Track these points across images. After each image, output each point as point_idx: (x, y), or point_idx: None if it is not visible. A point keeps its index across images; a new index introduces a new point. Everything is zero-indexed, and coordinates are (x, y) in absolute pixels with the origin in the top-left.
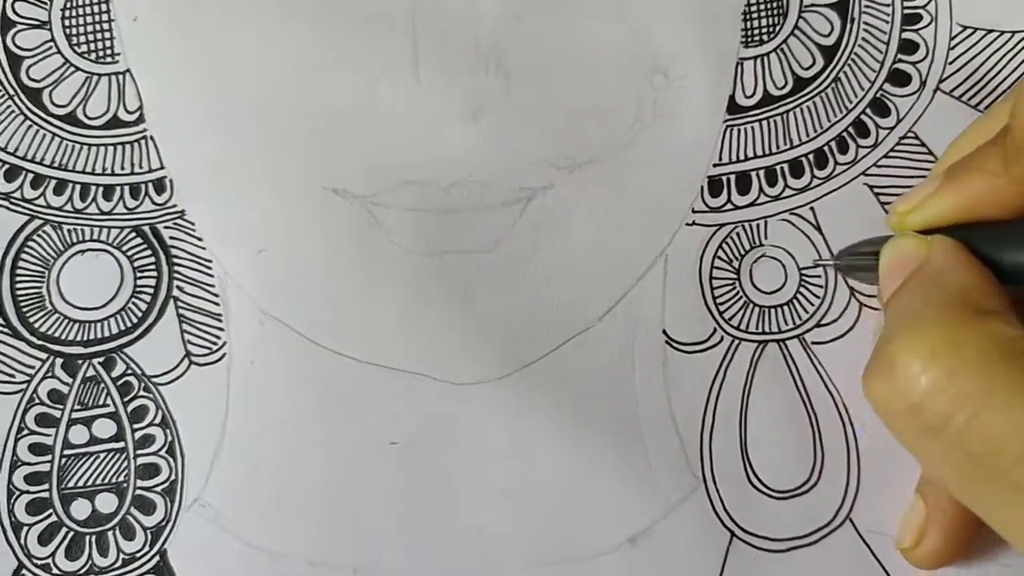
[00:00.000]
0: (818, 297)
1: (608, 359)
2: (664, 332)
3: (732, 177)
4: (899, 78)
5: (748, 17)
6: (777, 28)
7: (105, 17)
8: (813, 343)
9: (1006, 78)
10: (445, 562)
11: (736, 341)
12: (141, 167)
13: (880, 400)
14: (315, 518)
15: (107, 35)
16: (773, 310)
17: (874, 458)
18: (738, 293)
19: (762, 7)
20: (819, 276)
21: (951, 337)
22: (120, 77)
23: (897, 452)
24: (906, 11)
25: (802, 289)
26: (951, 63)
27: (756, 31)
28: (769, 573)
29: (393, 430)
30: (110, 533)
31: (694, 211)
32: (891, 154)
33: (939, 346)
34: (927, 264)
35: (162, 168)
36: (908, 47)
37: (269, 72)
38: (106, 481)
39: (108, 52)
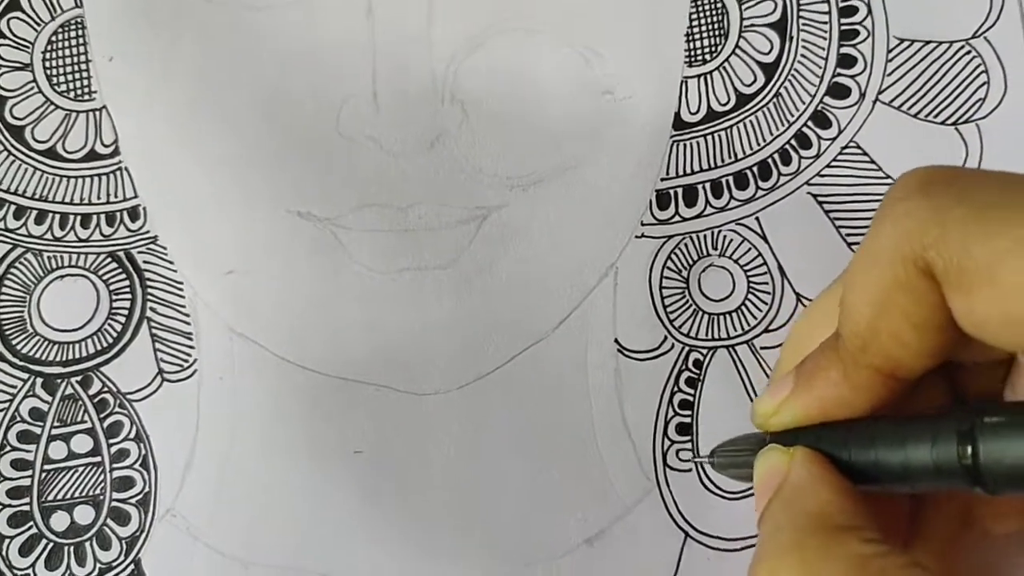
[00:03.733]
0: (766, 304)
1: (562, 368)
2: (616, 341)
3: (679, 190)
4: (839, 91)
5: (691, 38)
6: (719, 48)
7: (83, 58)
8: (762, 348)
9: (945, 87)
10: (409, 566)
11: (686, 348)
12: (116, 196)
13: None
14: (283, 527)
15: (85, 75)
16: (722, 317)
17: None
18: (687, 302)
19: (704, 28)
20: (767, 284)
21: (806, 566)
22: (97, 113)
23: None
24: (843, 27)
25: (750, 296)
26: (889, 75)
27: (699, 51)
28: (723, 571)
29: (358, 440)
30: (87, 543)
31: (643, 224)
32: (833, 164)
33: (798, 573)
34: (787, 482)
35: (136, 197)
36: (847, 61)
37: (236, 103)
38: (84, 494)
39: (85, 90)
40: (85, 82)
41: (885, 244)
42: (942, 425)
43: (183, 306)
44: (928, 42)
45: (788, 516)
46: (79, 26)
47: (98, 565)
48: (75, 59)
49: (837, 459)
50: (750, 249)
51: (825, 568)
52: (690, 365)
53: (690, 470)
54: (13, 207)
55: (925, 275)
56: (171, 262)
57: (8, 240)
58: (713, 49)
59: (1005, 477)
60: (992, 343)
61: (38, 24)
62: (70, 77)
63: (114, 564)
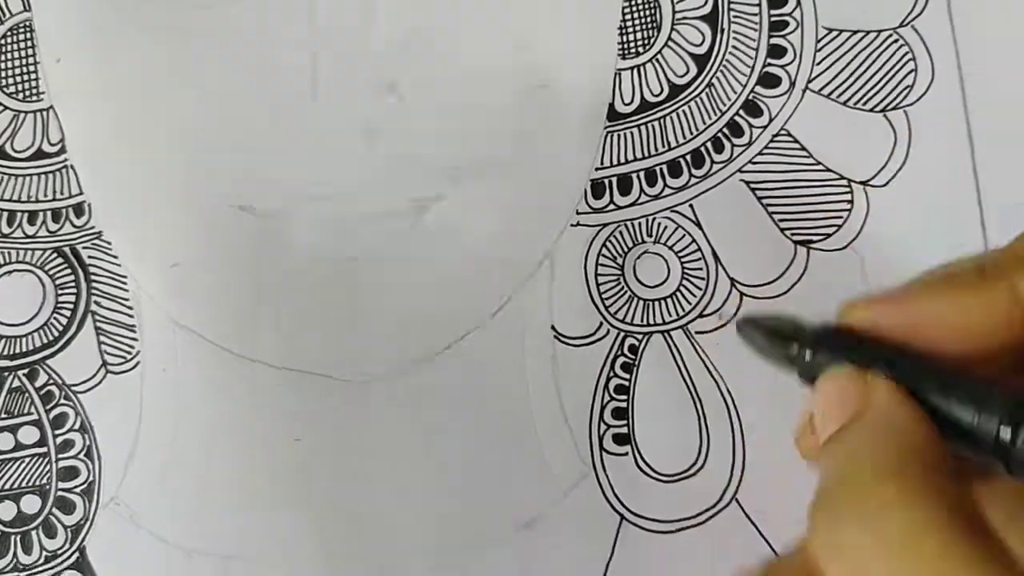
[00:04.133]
0: (700, 289)
1: (499, 355)
2: (552, 328)
3: (614, 179)
4: (769, 80)
5: (624, 31)
6: (651, 40)
7: (31, 60)
8: (697, 332)
9: (873, 75)
10: (349, 552)
11: (622, 334)
12: (62, 193)
13: (822, 535)
14: (225, 514)
15: (33, 76)
16: (657, 303)
17: (759, 441)
18: (623, 288)
19: (637, 22)
20: (701, 269)
21: (904, 495)
22: (44, 113)
23: (781, 435)
24: (773, 19)
25: (684, 282)
26: (819, 64)
27: (632, 44)
28: (659, 553)
29: (297, 428)
30: (34, 532)
31: (578, 213)
32: (765, 151)
33: (892, 502)
34: (870, 414)
35: (81, 194)
36: (777, 51)
37: (179, 101)
38: (30, 484)
39: (33, 91)
40: (33, 83)
41: None
42: (993, 395)
43: (127, 299)
44: (856, 31)
45: (877, 445)
46: (27, 29)
47: (44, 553)
48: (23, 61)
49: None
50: (684, 236)
51: (926, 498)
52: (625, 350)
53: (626, 454)
54: None
55: None
56: (115, 256)
57: None
58: (646, 42)
59: None
60: None
61: None
62: (19, 79)
63: (59, 552)
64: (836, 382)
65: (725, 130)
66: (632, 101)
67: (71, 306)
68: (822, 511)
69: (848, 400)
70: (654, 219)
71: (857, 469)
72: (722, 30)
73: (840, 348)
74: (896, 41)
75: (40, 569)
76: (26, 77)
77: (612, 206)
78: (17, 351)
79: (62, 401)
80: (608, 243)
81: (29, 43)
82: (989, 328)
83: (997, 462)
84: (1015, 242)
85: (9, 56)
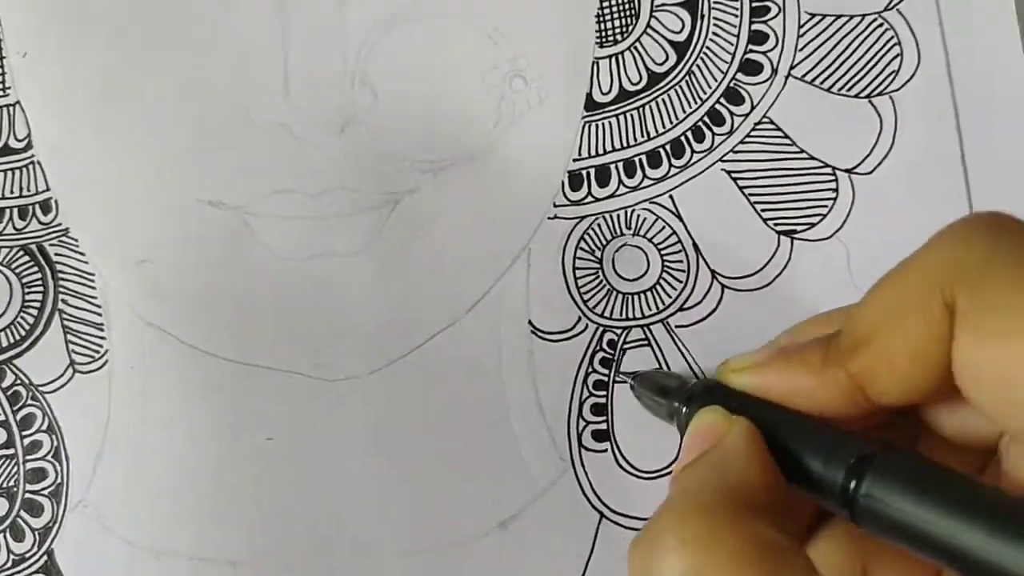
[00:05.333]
0: (680, 282)
1: (476, 351)
2: (530, 323)
3: (592, 171)
4: (751, 67)
5: (601, 19)
6: (630, 28)
7: None
8: (677, 326)
9: (857, 60)
10: (321, 553)
11: (600, 328)
12: (29, 190)
13: (633, 567)
14: (195, 515)
15: None
16: (636, 296)
17: None
18: (601, 282)
19: (614, 9)
20: (681, 262)
21: (711, 531)
22: (11, 108)
23: None
24: (754, 4)
25: (664, 275)
26: (801, 50)
27: (610, 32)
28: None
29: (269, 427)
30: (1, 535)
31: (556, 205)
32: (747, 140)
33: (697, 537)
34: (720, 446)
35: (48, 190)
36: (758, 38)
37: (146, 95)
38: None
39: (0, 86)
40: (0, 78)
41: (923, 263)
42: (844, 447)
43: (95, 297)
44: (840, 16)
45: (710, 479)
46: None
47: (11, 556)
48: None
49: (780, 445)
50: (664, 228)
51: (726, 541)
52: (604, 345)
53: (605, 451)
54: None
55: (946, 308)
56: (82, 254)
57: None
58: (624, 30)
59: (876, 524)
60: (977, 404)
61: None
62: None
63: (27, 555)
64: (703, 418)
65: (706, 119)
66: (610, 90)
67: (38, 305)
68: (637, 541)
69: (709, 434)
70: (633, 211)
71: (680, 501)
72: (702, 16)
73: (717, 400)
74: (881, 25)
75: (7, 572)
76: None
77: (590, 198)
78: None
79: (29, 401)
80: (586, 236)
81: None
82: (837, 405)
83: (844, 511)
84: (849, 319)
85: None
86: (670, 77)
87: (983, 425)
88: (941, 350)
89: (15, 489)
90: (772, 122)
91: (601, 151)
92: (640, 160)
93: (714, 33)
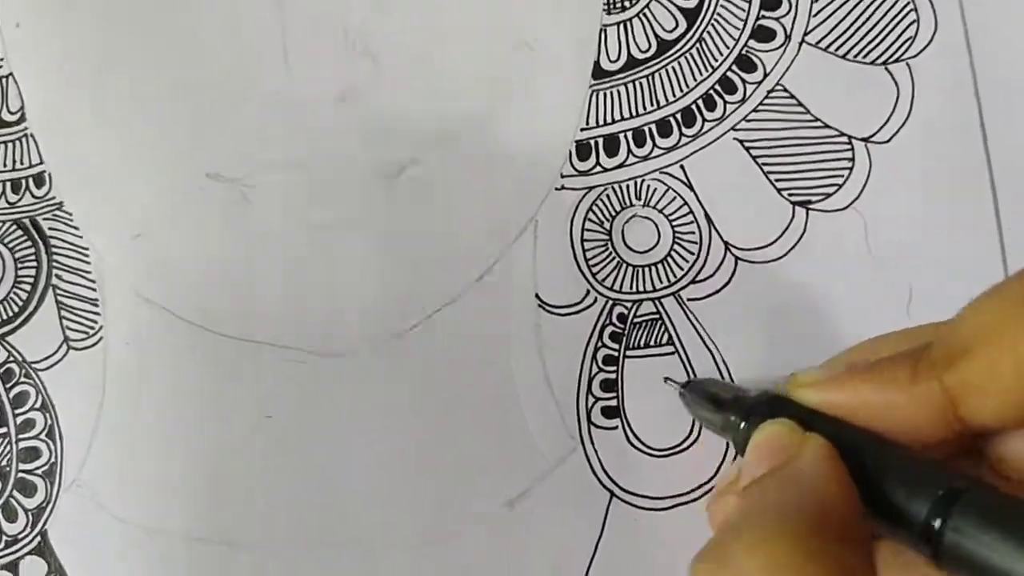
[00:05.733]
0: (692, 254)
1: (481, 326)
2: (537, 296)
3: (600, 140)
4: (763, 34)
5: None
6: None
7: None
8: (689, 300)
9: (873, 26)
10: (322, 533)
11: (610, 302)
12: (22, 163)
13: None
14: (191, 495)
15: None
16: (647, 269)
17: None
18: (611, 254)
19: None
20: (693, 233)
21: (795, 558)
22: (4, 80)
23: None
24: None
25: (676, 247)
26: (815, 15)
27: None
28: (651, 531)
29: (268, 404)
30: None
31: (563, 175)
32: (760, 108)
33: (779, 564)
34: (795, 464)
35: (41, 163)
36: (771, 3)
37: (142, 66)
38: None
39: None
40: None
41: None
42: (931, 477)
43: (89, 272)
44: None
45: (789, 500)
46: None
47: (4, 537)
48: None
49: (855, 469)
50: (675, 198)
51: (815, 565)
52: (614, 319)
53: (616, 428)
54: None
55: None
56: (76, 228)
57: None
58: None
59: (961, 565)
60: None
61: None
62: None
63: (20, 536)
64: (771, 430)
65: (717, 87)
66: (619, 58)
67: (31, 280)
68: (703, 561)
69: (778, 449)
70: (643, 181)
71: (759, 518)
72: None
73: (782, 415)
74: None
75: (1, 553)
76: None
77: (599, 168)
78: None
79: (22, 379)
80: (595, 207)
81: None
82: (924, 425)
83: (927, 548)
84: (943, 332)
85: None
86: (680, 44)
87: None
88: None
89: (8, 469)
90: (786, 90)
91: (610, 120)
92: (650, 129)
93: None
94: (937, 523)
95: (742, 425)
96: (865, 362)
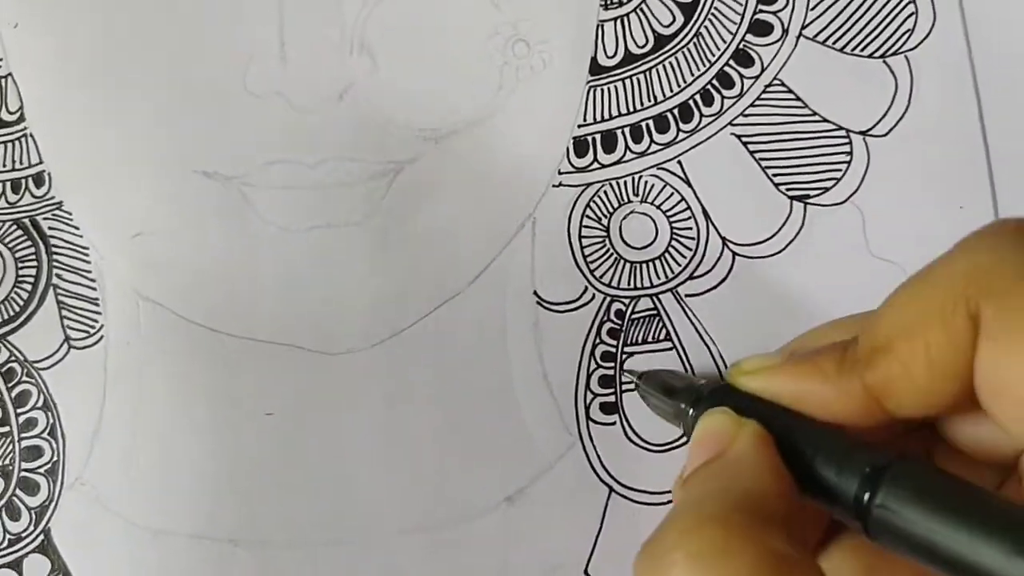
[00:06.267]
0: (690, 250)
1: (480, 322)
2: (535, 293)
3: (597, 137)
4: (761, 28)
5: None
6: None
7: None
8: (687, 295)
9: (871, 19)
10: (323, 531)
11: (607, 298)
12: (21, 163)
13: None
14: (193, 493)
15: None
16: (645, 265)
17: None
18: (608, 250)
19: None
20: (691, 229)
21: (721, 544)
22: (3, 80)
23: None
24: None
25: (673, 243)
26: (813, 9)
27: None
28: (650, 525)
29: (269, 402)
30: None
31: (560, 172)
32: (758, 103)
33: (707, 550)
34: (729, 452)
35: (41, 163)
36: None
37: (140, 65)
38: None
39: None
40: None
41: (947, 271)
42: (858, 456)
43: (89, 271)
44: None
45: (719, 487)
46: None
47: (7, 536)
48: None
49: (791, 452)
50: (673, 194)
51: (742, 553)
52: (612, 316)
53: (614, 423)
54: None
55: (970, 318)
56: (76, 227)
57: None
58: None
59: (889, 537)
60: (999, 418)
61: None
62: None
63: (23, 535)
64: (711, 420)
65: (715, 82)
66: (615, 54)
67: (32, 280)
68: (642, 553)
69: (717, 438)
70: (640, 177)
71: (694, 508)
72: None
73: (725, 403)
74: None
75: (4, 552)
76: None
77: (596, 165)
78: None
79: (24, 379)
80: (592, 203)
81: None
82: (853, 414)
83: (856, 522)
84: (865, 328)
85: None
86: (677, 39)
87: (1003, 440)
88: (963, 362)
89: (10, 468)
90: (783, 84)
91: (607, 116)
92: (647, 125)
93: None
94: (864, 499)
95: (690, 412)
96: (803, 351)
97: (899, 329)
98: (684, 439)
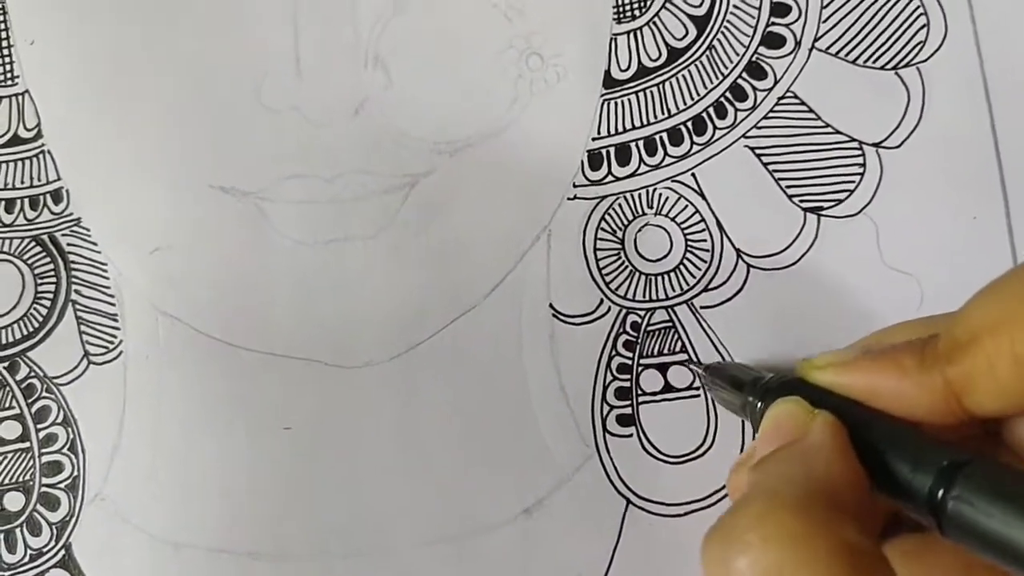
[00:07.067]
0: (705, 262)
1: (496, 335)
2: (551, 306)
3: (611, 149)
4: (773, 40)
5: None
6: (648, 3)
7: (5, 43)
8: (702, 307)
9: (883, 31)
10: (342, 543)
11: (623, 310)
12: (39, 180)
13: (710, 561)
14: (213, 506)
15: (7, 60)
16: (660, 277)
17: None
18: (623, 263)
19: None
20: (705, 241)
21: (798, 530)
22: (20, 97)
23: None
24: None
25: (688, 255)
26: (825, 21)
27: (628, 7)
28: (667, 537)
29: (287, 415)
30: (18, 530)
31: (575, 185)
32: (771, 115)
33: (783, 535)
34: (804, 440)
35: (59, 179)
36: (780, 10)
37: (156, 80)
38: (13, 480)
39: (8, 75)
40: (8, 67)
41: None
42: (934, 452)
43: (107, 287)
44: None
45: (794, 474)
46: (0, 11)
47: (29, 551)
48: None
49: (864, 448)
50: (687, 207)
51: (817, 541)
52: (628, 328)
53: (631, 435)
54: None
55: None
56: (95, 243)
57: None
58: (642, 4)
59: (964, 533)
60: None
61: None
62: None
63: (45, 550)
64: (783, 408)
65: (728, 94)
66: (629, 67)
67: (51, 296)
68: (713, 534)
69: (789, 426)
70: (655, 190)
71: (766, 491)
72: None
73: (794, 393)
74: None
75: (25, 568)
76: (1, 61)
77: (610, 177)
78: None
79: (44, 394)
80: (607, 216)
81: (2, 25)
82: (931, 411)
83: (930, 518)
84: (949, 324)
85: None
86: (690, 52)
87: None
88: None
89: (31, 483)
90: (796, 96)
91: (621, 129)
92: (661, 138)
93: (734, 6)
94: (940, 494)
95: (759, 405)
96: (878, 347)
97: (985, 324)
98: (701, 451)
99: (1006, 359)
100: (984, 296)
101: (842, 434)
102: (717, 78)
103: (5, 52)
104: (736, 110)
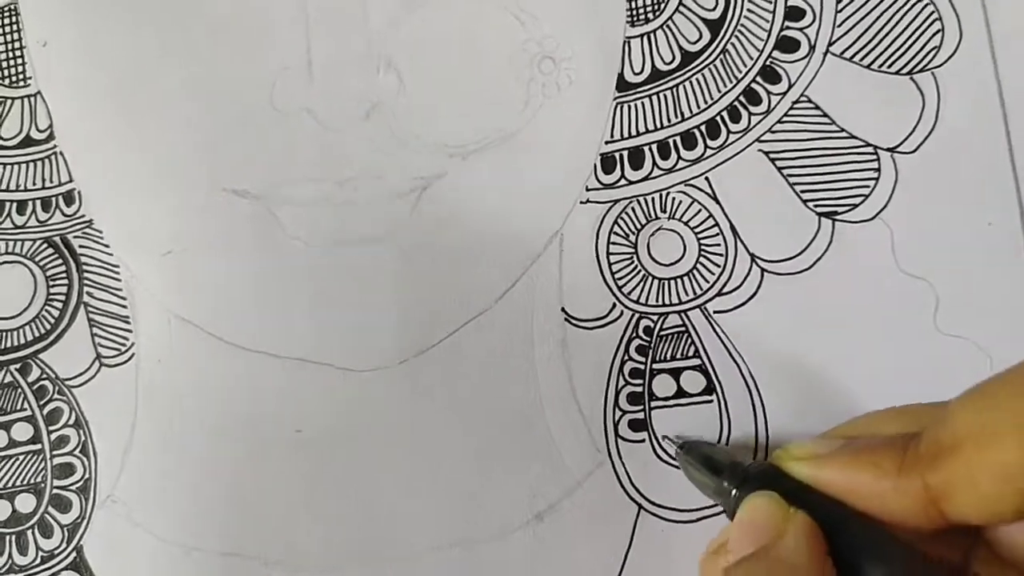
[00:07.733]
0: (718, 266)
1: (507, 339)
2: (563, 310)
3: (625, 153)
4: (787, 45)
5: None
6: (662, 6)
7: (17, 45)
8: (715, 312)
9: (898, 36)
10: (353, 547)
11: (636, 315)
12: (52, 181)
13: None
14: (224, 510)
15: (19, 61)
16: (673, 282)
17: (781, 425)
18: (636, 267)
19: None
20: (719, 245)
21: None
22: (32, 99)
23: (803, 418)
24: None
25: (702, 259)
26: (839, 26)
27: (641, 10)
28: (679, 543)
29: (298, 419)
30: (29, 532)
31: (588, 189)
32: (785, 119)
33: None
34: (779, 547)
35: (71, 181)
36: (795, 14)
37: (168, 83)
38: (25, 482)
39: (21, 77)
40: (20, 68)
41: None
42: (910, 565)
43: (119, 289)
44: None
45: None
46: (13, 13)
47: (40, 553)
48: (9, 46)
49: (837, 547)
50: (700, 210)
51: None
52: (640, 333)
53: (643, 441)
54: None
55: None
56: (107, 245)
57: None
58: (656, 7)
59: None
60: None
61: None
62: (5, 64)
63: (56, 552)
64: (761, 503)
65: (741, 98)
66: (642, 70)
67: (63, 298)
68: None
69: (765, 525)
70: (668, 194)
71: None
72: None
73: (773, 486)
74: (921, 0)
75: (37, 569)
76: (12, 62)
77: (624, 181)
78: (8, 345)
79: (56, 396)
80: (620, 220)
81: (14, 27)
82: (908, 513)
83: None
84: (931, 426)
85: None
86: (704, 56)
87: None
88: None
89: (43, 485)
90: (811, 101)
91: (634, 133)
92: (675, 141)
93: (748, 10)
94: None
95: (734, 492)
96: (858, 441)
97: (970, 432)
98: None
99: (988, 472)
100: (971, 400)
101: (818, 540)
102: (731, 82)
103: (18, 54)
104: (750, 114)
